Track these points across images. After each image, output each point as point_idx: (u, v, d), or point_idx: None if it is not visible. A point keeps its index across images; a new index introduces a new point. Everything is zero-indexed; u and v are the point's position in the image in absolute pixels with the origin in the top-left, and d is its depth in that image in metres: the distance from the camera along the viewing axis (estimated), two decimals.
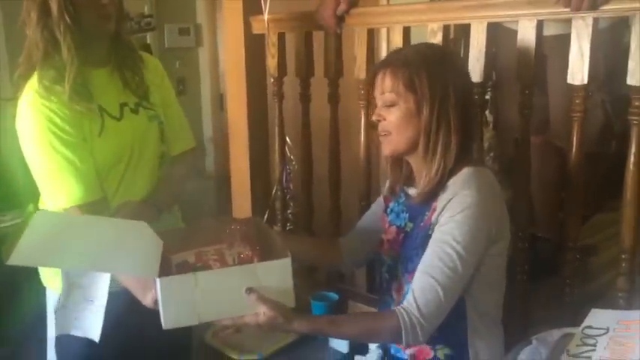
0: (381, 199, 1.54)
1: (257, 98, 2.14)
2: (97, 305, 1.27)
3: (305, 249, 1.63)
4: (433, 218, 1.30)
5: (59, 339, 1.46)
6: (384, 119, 1.33)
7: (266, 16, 1.98)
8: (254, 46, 2.09)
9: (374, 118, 1.36)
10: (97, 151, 1.37)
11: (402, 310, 1.24)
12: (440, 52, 1.41)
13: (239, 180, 2.20)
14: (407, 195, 1.43)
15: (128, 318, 1.32)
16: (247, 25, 2.06)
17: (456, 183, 1.29)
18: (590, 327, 1.27)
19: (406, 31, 1.69)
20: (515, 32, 1.51)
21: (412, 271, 1.33)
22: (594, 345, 1.21)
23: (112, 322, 1.29)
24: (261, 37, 2.05)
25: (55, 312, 1.29)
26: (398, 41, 1.69)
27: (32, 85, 1.34)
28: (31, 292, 1.59)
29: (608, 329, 1.24)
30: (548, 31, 1.54)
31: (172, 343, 1.49)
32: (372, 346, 1.45)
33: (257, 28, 2.06)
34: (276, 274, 1.21)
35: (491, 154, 2.65)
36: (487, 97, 2.14)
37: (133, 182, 1.44)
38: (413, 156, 1.37)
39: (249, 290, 1.23)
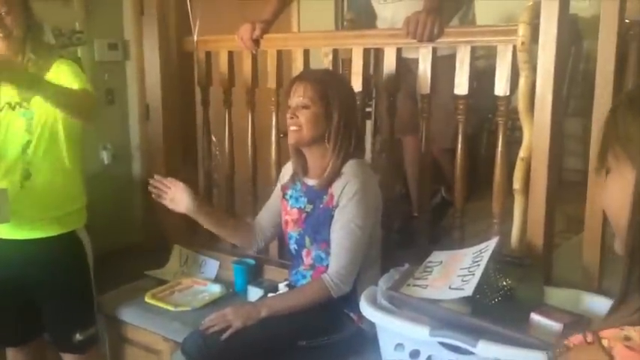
0: (278, 188, 2.01)
1: (187, 105, 2.59)
2: None
3: (225, 227, 2.07)
4: (334, 201, 1.79)
5: None
6: (297, 117, 1.81)
7: (195, 38, 2.44)
8: (185, 61, 2.54)
9: (288, 115, 1.83)
10: None
11: (326, 277, 1.75)
12: (340, 75, 1.97)
13: (172, 174, 2.58)
14: (303, 183, 1.91)
15: None
16: (180, 45, 2.51)
17: (346, 172, 1.79)
18: (430, 261, 1.81)
19: (306, 53, 2.19)
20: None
21: (319, 241, 1.84)
22: (431, 272, 1.75)
23: None
24: (190, 55, 2.51)
25: None
26: (299, 60, 2.19)
27: None
28: None
29: (441, 262, 1.79)
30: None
31: None
32: (281, 285, 1.93)
33: (188, 48, 2.50)
34: None
35: (383, 155, 3.23)
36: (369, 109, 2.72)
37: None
38: (310, 149, 1.86)
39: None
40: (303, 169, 1.91)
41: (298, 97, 1.80)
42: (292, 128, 1.81)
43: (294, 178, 1.95)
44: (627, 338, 0.60)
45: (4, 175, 1.91)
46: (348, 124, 1.80)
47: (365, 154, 2.13)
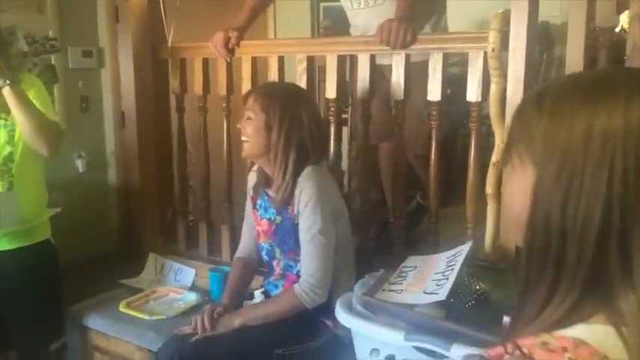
0: (249, 209, 1.99)
1: (162, 112, 2.57)
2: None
3: (244, 285, 2.03)
4: (295, 210, 1.78)
5: None
6: (245, 128, 1.81)
7: (169, 44, 2.43)
8: (160, 68, 2.52)
9: (238, 126, 1.84)
10: None
11: (297, 286, 1.75)
12: (298, 90, 1.91)
13: (147, 181, 2.61)
14: (268, 195, 1.90)
15: None
16: (154, 52, 2.50)
17: (302, 180, 1.77)
18: (405, 266, 1.82)
19: (280, 59, 2.20)
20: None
21: (287, 251, 1.84)
22: (406, 277, 1.76)
23: None
24: (165, 62, 2.50)
25: None
26: (274, 67, 2.19)
27: None
28: None
29: (416, 267, 1.79)
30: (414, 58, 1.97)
31: None
32: (257, 292, 1.92)
33: (162, 55, 2.49)
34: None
35: (359, 161, 3.24)
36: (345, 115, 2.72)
37: None
38: (264, 162, 1.84)
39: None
40: (266, 181, 1.90)
41: (246, 109, 1.82)
42: (242, 139, 1.84)
43: (257, 188, 1.94)
44: (545, 343, 0.61)
45: None
46: (290, 137, 1.75)
47: (326, 160, 2.06)
